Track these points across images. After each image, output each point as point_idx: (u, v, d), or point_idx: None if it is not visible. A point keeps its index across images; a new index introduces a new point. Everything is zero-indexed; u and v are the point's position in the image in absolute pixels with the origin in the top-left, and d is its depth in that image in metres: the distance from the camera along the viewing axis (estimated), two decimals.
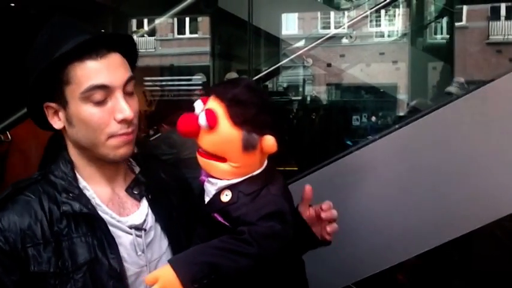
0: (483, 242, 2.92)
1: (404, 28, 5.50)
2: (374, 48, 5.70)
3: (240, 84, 1.22)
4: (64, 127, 1.07)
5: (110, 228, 1.08)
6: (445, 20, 5.43)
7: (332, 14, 6.53)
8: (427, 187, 1.91)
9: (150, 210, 1.15)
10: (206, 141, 1.19)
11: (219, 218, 1.19)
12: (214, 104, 1.19)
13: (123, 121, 1.05)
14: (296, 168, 3.47)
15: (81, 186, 1.10)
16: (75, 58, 1.02)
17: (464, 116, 1.92)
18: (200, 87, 5.04)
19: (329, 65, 4.60)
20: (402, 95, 4.89)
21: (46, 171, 1.12)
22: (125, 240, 1.10)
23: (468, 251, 3.04)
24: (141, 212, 1.15)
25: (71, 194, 1.07)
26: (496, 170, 1.87)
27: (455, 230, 1.91)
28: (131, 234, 1.11)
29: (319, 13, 7.21)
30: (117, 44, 1.08)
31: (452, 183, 1.90)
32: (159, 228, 1.16)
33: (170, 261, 1.08)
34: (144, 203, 1.16)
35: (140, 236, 1.12)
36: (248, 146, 1.17)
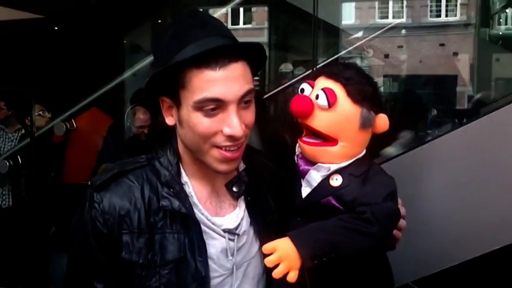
0: None
1: (467, 18, 5.31)
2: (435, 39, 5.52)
3: (349, 66, 1.24)
4: (175, 124, 1.07)
5: (204, 229, 1.07)
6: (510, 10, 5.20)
7: (390, 3, 6.37)
8: (497, 184, 1.83)
9: (246, 213, 1.13)
10: (321, 121, 1.19)
11: (334, 202, 1.18)
12: (329, 83, 1.19)
13: (229, 137, 1.00)
14: None
15: (182, 181, 1.09)
16: (194, 64, 0.98)
17: None
18: (256, 78, 5.03)
19: (386, 56, 4.50)
20: (465, 88, 4.72)
21: (153, 156, 1.12)
22: (216, 243, 1.08)
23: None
24: (237, 214, 1.13)
25: (172, 190, 1.06)
26: None
27: None
28: (224, 237, 1.09)
29: (376, 3, 7.07)
30: (241, 53, 1.02)
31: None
32: (252, 232, 1.14)
33: (290, 236, 1.07)
34: (242, 204, 1.14)
35: (233, 240, 1.10)
36: (366, 123, 1.18)
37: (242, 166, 1.18)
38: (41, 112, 3.64)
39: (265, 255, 1.05)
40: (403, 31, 4.39)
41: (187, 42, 1.01)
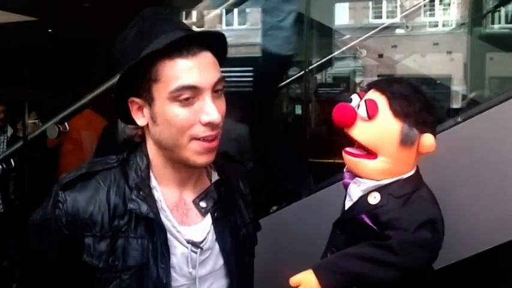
0: None
1: (461, 17, 5.31)
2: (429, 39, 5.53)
3: (402, 81, 1.21)
4: (147, 124, 1.05)
5: (168, 236, 1.05)
6: (503, 9, 5.20)
7: (384, 3, 6.38)
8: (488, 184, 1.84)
9: (212, 228, 1.10)
10: (362, 131, 1.18)
11: (366, 220, 1.16)
12: (375, 95, 1.18)
13: (209, 124, 1.00)
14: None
15: (151, 185, 1.07)
16: (165, 55, 0.98)
17: None
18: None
19: (381, 55, 4.50)
20: (459, 87, 4.72)
21: (123, 157, 1.10)
22: (179, 252, 1.07)
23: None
24: (203, 227, 1.10)
25: (141, 193, 1.04)
26: None
27: None
28: (187, 248, 1.07)
29: (370, 3, 7.06)
30: (207, 42, 1.03)
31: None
32: (217, 247, 1.11)
33: (314, 268, 1.09)
34: (209, 218, 1.11)
35: (195, 252, 1.08)
36: (407, 140, 1.15)
37: (215, 177, 1.16)
38: (36, 121, 3.62)
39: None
40: (398, 31, 4.38)
41: (156, 35, 1.01)
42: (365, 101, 1.17)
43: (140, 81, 1.02)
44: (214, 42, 1.06)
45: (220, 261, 1.13)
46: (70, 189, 1.05)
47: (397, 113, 1.15)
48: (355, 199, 1.21)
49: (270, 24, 2.70)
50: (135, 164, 1.09)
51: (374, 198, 1.17)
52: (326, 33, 3.77)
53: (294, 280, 1.08)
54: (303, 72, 2.15)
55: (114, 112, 1.11)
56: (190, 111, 1.00)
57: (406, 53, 4.83)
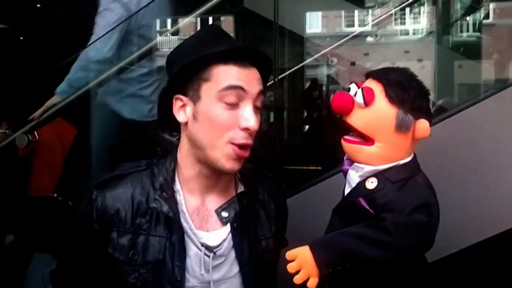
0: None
1: (430, 26, 5.43)
2: (400, 47, 5.63)
3: (398, 69, 1.26)
4: (186, 122, 1.12)
5: (185, 237, 1.12)
6: (471, 18, 5.33)
7: (356, 12, 6.48)
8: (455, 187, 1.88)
9: (230, 236, 1.15)
10: (359, 118, 1.22)
11: (363, 203, 1.19)
12: (371, 83, 1.22)
13: (246, 130, 1.08)
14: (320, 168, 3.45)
15: (175, 189, 1.14)
16: (222, 61, 1.08)
17: (493, 115, 1.89)
18: None
19: (353, 63, 4.57)
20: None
21: (153, 161, 1.20)
22: (193, 253, 1.12)
23: (496, 255, 2.98)
24: (221, 233, 1.15)
25: (164, 194, 1.12)
26: None
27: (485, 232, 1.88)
28: (200, 251, 1.12)
29: (343, 11, 7.16)
30: (258, 60, 1.13)
31: (480, 184, 1.88)
32: (233, 255, 1.16)
33: (310, 244, 1.12)
34: (228, 226, 1.16)
35: (208, 256, 1.12)
36: (402, 126, 1.19)
37: (241, 189, 1.22)
38: (6, 131, 3.56)
39: (287, 261, 1.11)
40: (369, 39, 4.46)
41: (214, 45, 1.10)
42: (362, 88, 1.21)
43: (190, 80, 1.11)
44: (263, 63, 1.16)
45: (235, 269, 1.17)
46: (102, 188, 1.15)
47: (392, 99, 1.19)
48: (353, 185, 1.25)
49: (127, 92, 2.58)
50: (164, 167, 1.18)
51: (371, 183, 1.21)
52: (297, 42, 3.82)
53: (290, 254, 1.12)
54: (271, 81, 2.17)
55: (158, 107, 1.19)
56: (232, 114, 1.08)
57: (378, 61, 4.92)
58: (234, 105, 1.08)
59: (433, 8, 5.40)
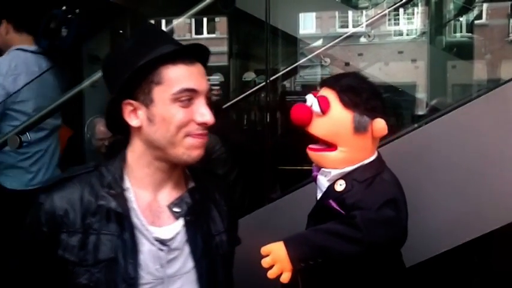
0: (503, 242, 2.88)
1: (423, 26, 5.45)
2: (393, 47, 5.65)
3: (349, 74, 1.32)
4: (140, 126, 1.12)
5: (137, 234, 1.11)
6: (464, 18, 5.36)
7: (350, 12, 6.49)
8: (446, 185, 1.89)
9: (184, 230, 1.16)
10: (318, 126, 1.25)
11: (334, 205, 1.23)
12: (326, 92, 1.26)
13: (202, 124, 1.11)
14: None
15: (124, 187, 1.14)
16: (170, 61, 1.09)
17: (485, 114, 1.90)
18: (218, 87, 5.07)
19: (347, 64, 4.58)
20: (421, 94, 4.83)
21: (102, 163, 1.19)
22: (146, 249, 1.12)
23: (489, 251, 3.00)
24: (174, 227, 1.16)
25: (112, 191, 1.12)
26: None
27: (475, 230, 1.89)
28: (154, 245, 1.12)
29: (337, 12, 7.18)
30: (199, 55, 1.15)
31: (471, 181, 1.89)
32: (187, 249, 1.16)
33: (284, 240, 1.15)
34: (181, 221, 1.17)
35: (162, 250, 1.12)
36: (360, 128, 1.23)
37: (191, 184, 1.22)
38: None
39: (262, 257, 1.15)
40: (362, 39, 4.46)
41: (157, 46, 1.10)
42: (317, 98, 1.24)
43: (140, 85, 1.11)
44: (205, 56, 1.18)
45: (190, 264, 1.17)
46: (49, 192, 1.13)
47: (346, 104, 1.23)
48: (324, 189, 1.28)
49: (6, 163, 2.62)
50: (112, 167, 1.17)
51: (340, 186, 1.25)
52: (290, 43, 3.83)
53: (264, 249, 1.15)
54: (263, 83, 2.17)
55: (105, 115, 1.18)
56: (188, 111, 1.10)
57: (372, 61, 4.93)
58: (188, 103, 1.10)
59: (426, 8, 5.42)
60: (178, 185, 1.21)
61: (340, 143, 1.24)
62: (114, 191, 1.13)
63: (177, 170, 1.20)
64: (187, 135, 1.11)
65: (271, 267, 1.14)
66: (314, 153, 1.29)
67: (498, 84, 1.94)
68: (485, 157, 1.88)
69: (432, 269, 2.28)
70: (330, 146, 1.26)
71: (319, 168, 1.30)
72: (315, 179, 1.32)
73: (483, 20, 5.50)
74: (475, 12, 5.34)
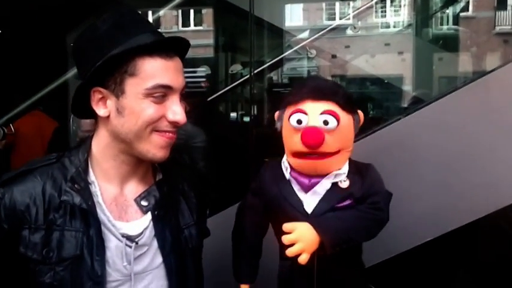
0: (488, 233, 2.91)
1: (410, 19, 5.46)
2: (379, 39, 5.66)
3: (323, 80, 1.33)
4: (108, 116, 1.06)
5: (103, 229, 1.06)
6: (450, 10, 5.38)
7: (337, 4, 6.49)
8: (429, 177, 1.90)
9: (151, 224, 1.11)
10: (331, 143, 1.21)
11: (349, 202, 1.24)
12: (327, 105, 1.21)
13: (173, 122, 1.05)
14: None
15: (89, 180, 1.09)
16: (147, 53, 1.02)
17: (468, 104, 1.91)
18: (204, 79, 5.05)
19: (334, 56, 4.57)
20: (407, 86, 4.85)
21: (64, 154, 1.12)
22: (113, 245, 1.07)
23: (473, 242, 3.03)
24: (142, 222, 1.11)
25: (76, 185, 1.06)
26: (500, 159, 1.86)
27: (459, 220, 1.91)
28: (121, 242, 1.08)
29: (324, 4, 7.17)
30: (178, 48, 1.09)
31: (453, 172, 1.90)
32: (155, 244, 1.12)
33: (313, 222, 1.14)
34: (148, 215, 1.12)
35: (130, 247, 1.08)
36: (357, 127, 1.28)
37: (159, 176, 1.18)
38: None
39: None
40: (349, 31, 4.47)
41: (136, 33, 1.03)
42: (330, 113, 1.19)
43: (112, 73, 1.04)
44: (183, 49, 1.12)
45: (159, 260, 1.12)
46: (8, 185, 1.06)
47: (347, 109, 1.23)
48: (323, 193, 1.24)
49: None
50: (76, 159, 1.11)
51: (344, 182, 1.25)
52: (276, 35, 3.81)
53: (288, 226, 1.13)
54: (247, 76, 2.15)
55: (72, 100, 1.10)
56: (160, 107, 1.05)
57: (358, 54, 4.93)
58: (161, 99, 1.05)
59: (413, 0, 5.43)
60: (146, 177, 1.16)
61: (344, 146, 1.25)
62: (78, 185, 1.06)
63: (145, 163, 1.14)
64: (155, 130, 1.05)
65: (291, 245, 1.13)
66: (321, 162, 1.21)
67: (478, 76, 1.95)
68: (465, 149, 1.89)
69: (417, 260, 2.30)
70: (334, 152, 1.23)
71: (311, 176, 1.24)
72: (309, 189, 1.24)
73: (469, 12, 5.52)
74: (462, 4, 5.36)
